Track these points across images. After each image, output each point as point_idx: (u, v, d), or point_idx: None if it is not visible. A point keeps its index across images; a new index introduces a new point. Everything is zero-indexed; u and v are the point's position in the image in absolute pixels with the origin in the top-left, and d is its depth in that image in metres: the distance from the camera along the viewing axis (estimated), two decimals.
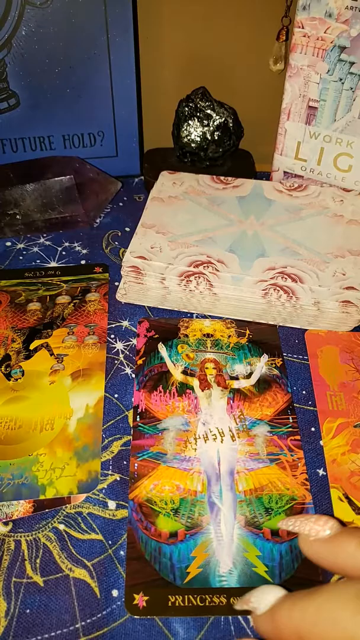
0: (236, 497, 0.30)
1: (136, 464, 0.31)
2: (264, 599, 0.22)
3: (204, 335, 0.38)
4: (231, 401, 0.35)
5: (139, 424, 0.33)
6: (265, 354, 0.37)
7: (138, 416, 0.34)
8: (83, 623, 0.26)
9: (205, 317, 0.40)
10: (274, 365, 0.37)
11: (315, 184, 0.49)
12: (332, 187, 0.48)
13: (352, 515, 0.30)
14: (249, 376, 0.36)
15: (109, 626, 0.26)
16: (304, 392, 0.36)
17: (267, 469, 0.31)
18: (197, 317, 0.40)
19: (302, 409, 0.35)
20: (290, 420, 0.34)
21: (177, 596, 0.26)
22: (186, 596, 0.26)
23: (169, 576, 0.27)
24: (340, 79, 0.43)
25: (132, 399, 0.35)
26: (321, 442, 0.33)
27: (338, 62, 0.43)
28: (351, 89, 0.43)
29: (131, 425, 0.33)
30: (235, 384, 0.36)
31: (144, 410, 0.34)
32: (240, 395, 0.35)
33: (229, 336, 0.38)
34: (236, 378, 0.36)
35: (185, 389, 0.35)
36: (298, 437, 0.33)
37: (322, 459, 0.32)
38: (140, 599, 0.26)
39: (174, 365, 0.36)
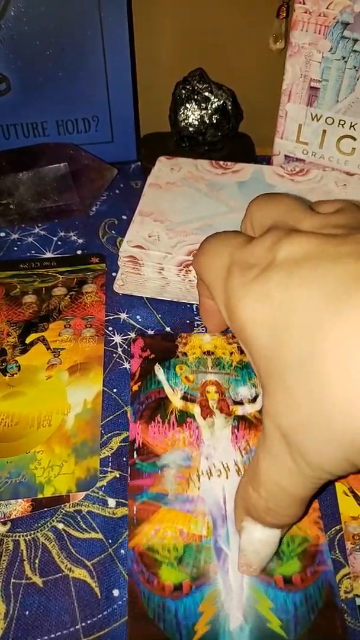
0: None
1: (135, 508, 0.28)
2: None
3: (204, 353, 0.35)
4: (236, 430, 0.31)
5: (137, 461, 0.30)
6: None
7: (135, 452, 0.30)
8: (83, 624, 0.26)
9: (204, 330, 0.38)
10: None
11: (318, 168, 0.47)
12: (334, 170, 0.46)
13: (357, 510, 0.29)
14: (254, 400, 0.33)
15: (110, 626, 0.25)
16: None
17: None
18: (196, 332, 0.38)
19: None
20: None
21: None
22: None
23: (175, 636, 0.25)
24: (343, 57, 0.41)
25: (129, 400, 0.34)
26: None
27: (341, 40, 0.41)
28: (355, 67, 0.41)
29: (128, 463, 0.30)
30: (240, 410, 0.32)
31: (141, 445, 0.30)
32: (245, 423, 0.31)
33: (231, 353, 0.35)
34: (240, 403, 0.32)
35: (186, 418, 0.32)
36: None
37: None
38: None
39: (173, 390, 0.33)
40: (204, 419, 0.32)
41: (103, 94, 0.48)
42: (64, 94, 0.47)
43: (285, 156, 0.49)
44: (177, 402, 0.33)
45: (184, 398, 0.33)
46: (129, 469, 0.30)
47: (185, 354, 0.35)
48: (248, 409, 0.32)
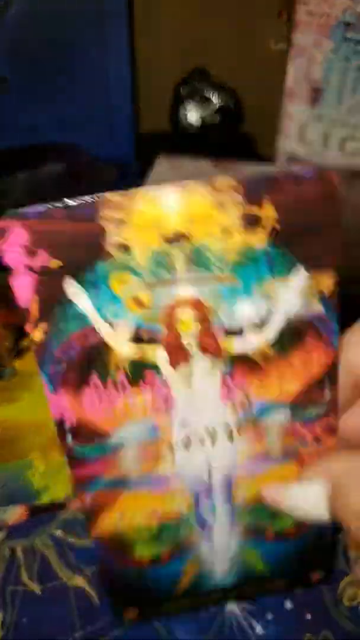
0: (234, 509, 0.23)
1: (89, 497, 0.21)
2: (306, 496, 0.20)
3: (168, 240, 0.17)
4: (228, 379, 0.20)
5: (74, 447, 0.20)
6: (301, 266, 0.18)
7: (70, 435, 0.20)
8: (82, 632, 0.25)
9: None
10: (318, 291, 0.19)
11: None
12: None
13: None
14: (262, 325, 0.19)
15: (109, 635, 0.25)
16: None
17: (279, 468, 0.22)
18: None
19: None
20: (328, 395, 0.20)
21: (169, 603, 0.24)
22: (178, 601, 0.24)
23: (156, 592, 0.24)
24: (346, 58, 0.41)
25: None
26: None
27: (344, 41, 0.40)
28: (358, 68, 0.41)
29: (64, 451, 0.20)
30: (238, 345, 0.19)
31: (75, 424, 0.20)
32: (244, 366, 0.19)
33: (226, 230, 0.17)
34: (238, 332, 0.19)
35: (143, 371, 0.19)
36: (333, 418, 0.20)
37: None
38: (130, 612, 0.24)
39: (112, 326, 0.18)
40: (174, 368, 0.19)
41: (102, 94, 0.48)
42: (64, 93, 0.47)
43: (288, 157, 0.49)
44: (123, 348, 0.19)
45: (136, 339, 0.19)
46: (65, 457, 0.20)
47: (126, 248, 0.17)
48: (252, 342, 0.19)
